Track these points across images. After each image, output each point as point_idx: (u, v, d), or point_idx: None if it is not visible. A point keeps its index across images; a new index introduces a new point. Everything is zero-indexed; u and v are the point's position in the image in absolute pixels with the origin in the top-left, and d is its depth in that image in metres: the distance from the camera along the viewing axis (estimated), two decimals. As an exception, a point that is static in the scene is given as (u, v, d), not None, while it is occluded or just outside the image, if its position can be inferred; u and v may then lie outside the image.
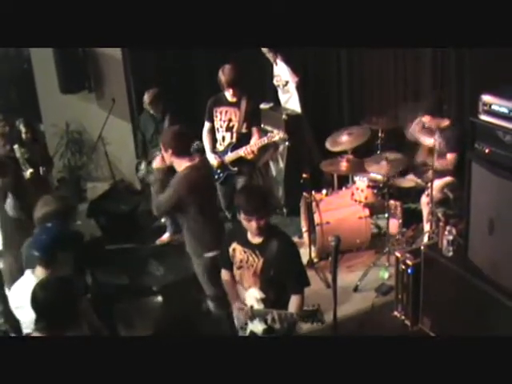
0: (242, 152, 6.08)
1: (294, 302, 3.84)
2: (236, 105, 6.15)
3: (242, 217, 3.85)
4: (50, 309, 3.07)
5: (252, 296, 3.93)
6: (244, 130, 6.14)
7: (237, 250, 4.01)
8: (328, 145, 6.46)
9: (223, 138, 6.23)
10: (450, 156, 5.71)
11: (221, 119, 6.22)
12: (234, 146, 6.15)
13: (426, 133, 5.95)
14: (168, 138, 4.70)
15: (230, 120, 6.17)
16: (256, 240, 3.92)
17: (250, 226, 3.83)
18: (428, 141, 5.93)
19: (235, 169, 6.22)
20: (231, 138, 6.18)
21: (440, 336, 4.76)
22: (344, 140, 6.36)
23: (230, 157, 6.16)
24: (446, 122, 5.80)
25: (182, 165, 4.63)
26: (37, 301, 3.11)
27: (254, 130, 6.15)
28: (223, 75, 6.04)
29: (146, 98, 6.80)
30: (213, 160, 6.25)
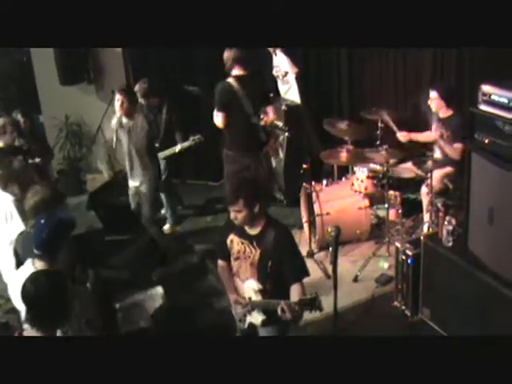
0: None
1: (295, 291, 3.79)
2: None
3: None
4: (40, 303, 3.04)
5: (250, 287, 3.93)
6: None
7: (234, 241, 4.00)
8: (325, 125, 6.47)
9: None
10: (457, 145, 5.68)
11: None
12: None
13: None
14: None
15: None
16: (252, 231, 3.90)
17: (234, 216, 3.84)
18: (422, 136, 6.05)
19: None
20: None
21: (439, 326, 4.80)
22: (342, 128, 6.35)
23: None
24: (449, 112, 5.80)
25: None
26: (26, 295, 3.07)
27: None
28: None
29: (139, 90, 6.69)
30: None
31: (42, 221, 3.69)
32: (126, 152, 6.23)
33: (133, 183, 6.39)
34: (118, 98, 6.03)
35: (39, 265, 3.60)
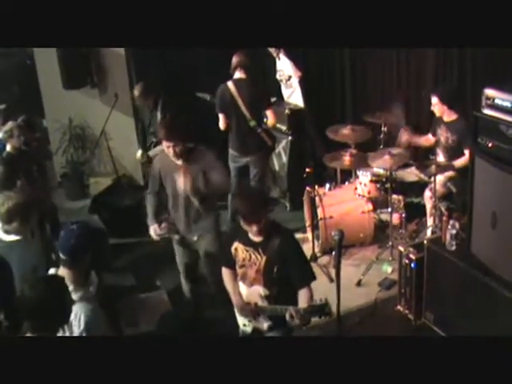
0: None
1: (303, 296, 3.80)
2: None
3: (241, 220, 3.86)
4: (41, 310, 3.00)
5: (256, 293, 3.92)
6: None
7: (239, 249, 4.00)
8: (329, 133, 6.48)
9: None
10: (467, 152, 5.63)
11: None
12: None
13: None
14: None
15: None
16: (257, 238, 3.91)
17: (251, 228, 3.85)
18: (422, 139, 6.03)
19: None
20: None
21: (442, 330, 4.79)
22: (346, 133, 6.36)
23: None
24: (453, 116, 5.79)
25: None
26: (26, 302, 3.02)
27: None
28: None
29: (136, 92, 6.77)
30: None
31: (74, 227, 3.65)
32: (177, 198, 5.07)
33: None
34: (168, 145, 4.73)
35: (63, 272, 3.55)
